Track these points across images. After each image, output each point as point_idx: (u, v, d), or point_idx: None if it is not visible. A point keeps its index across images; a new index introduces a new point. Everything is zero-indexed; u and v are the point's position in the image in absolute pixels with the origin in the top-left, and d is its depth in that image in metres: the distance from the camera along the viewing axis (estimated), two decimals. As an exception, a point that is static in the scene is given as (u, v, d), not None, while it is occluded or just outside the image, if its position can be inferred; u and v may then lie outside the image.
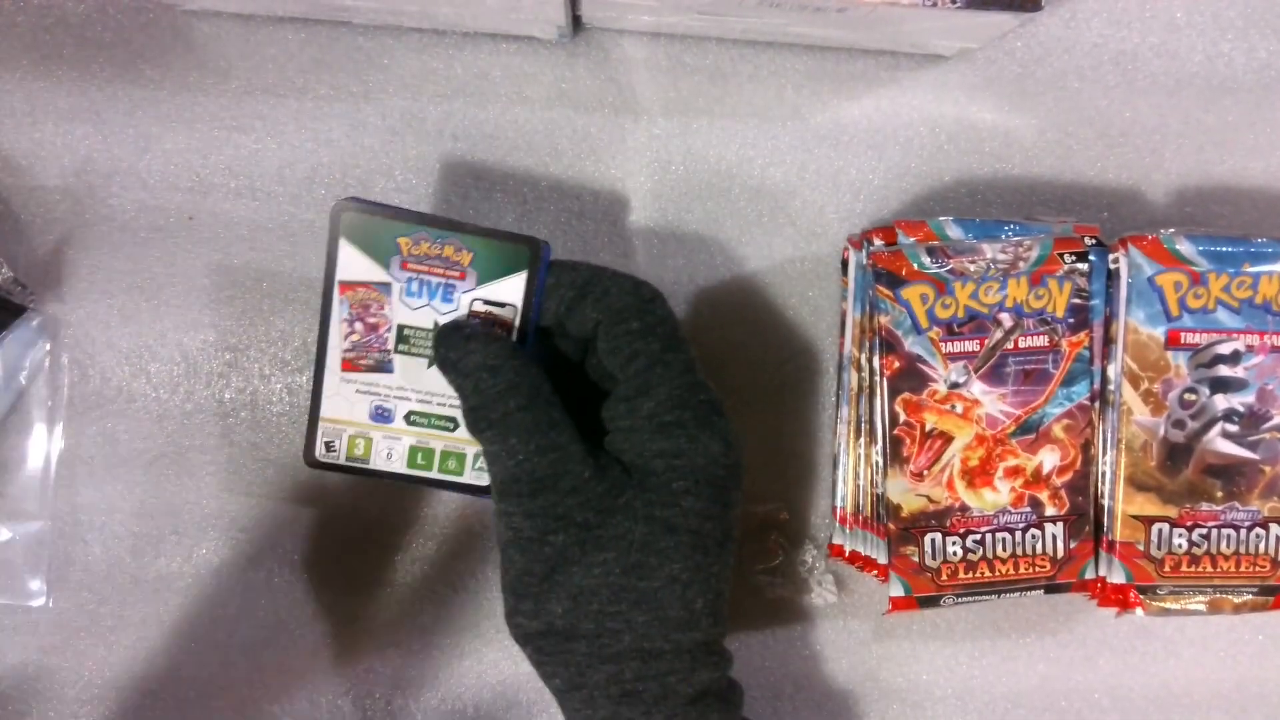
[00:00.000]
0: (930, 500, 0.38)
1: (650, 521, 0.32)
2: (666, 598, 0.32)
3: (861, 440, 0.40)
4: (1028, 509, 0.39)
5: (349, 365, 0.35)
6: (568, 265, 0.34)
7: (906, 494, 0.38)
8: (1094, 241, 0.39)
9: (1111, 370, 0.39)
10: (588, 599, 0.32)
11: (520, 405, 0.32)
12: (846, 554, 0.41)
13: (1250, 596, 0.40)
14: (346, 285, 0.35)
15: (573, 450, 0.32)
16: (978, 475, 0.39)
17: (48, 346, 0.42)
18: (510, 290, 0.35)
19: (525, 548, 0.32)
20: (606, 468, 0.32)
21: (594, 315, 0.33)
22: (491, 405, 0.32)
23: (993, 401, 0.38)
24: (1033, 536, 0.39)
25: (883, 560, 0.39)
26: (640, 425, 0.32)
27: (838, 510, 0.42)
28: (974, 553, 0.39)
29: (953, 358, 0.38)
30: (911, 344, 0.38)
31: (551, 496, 0.31)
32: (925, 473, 0.38)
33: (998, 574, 0.39)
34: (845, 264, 0.42)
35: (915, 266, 0.38)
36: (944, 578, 0.38)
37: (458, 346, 0.33)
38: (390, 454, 0.36)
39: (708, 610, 0.33)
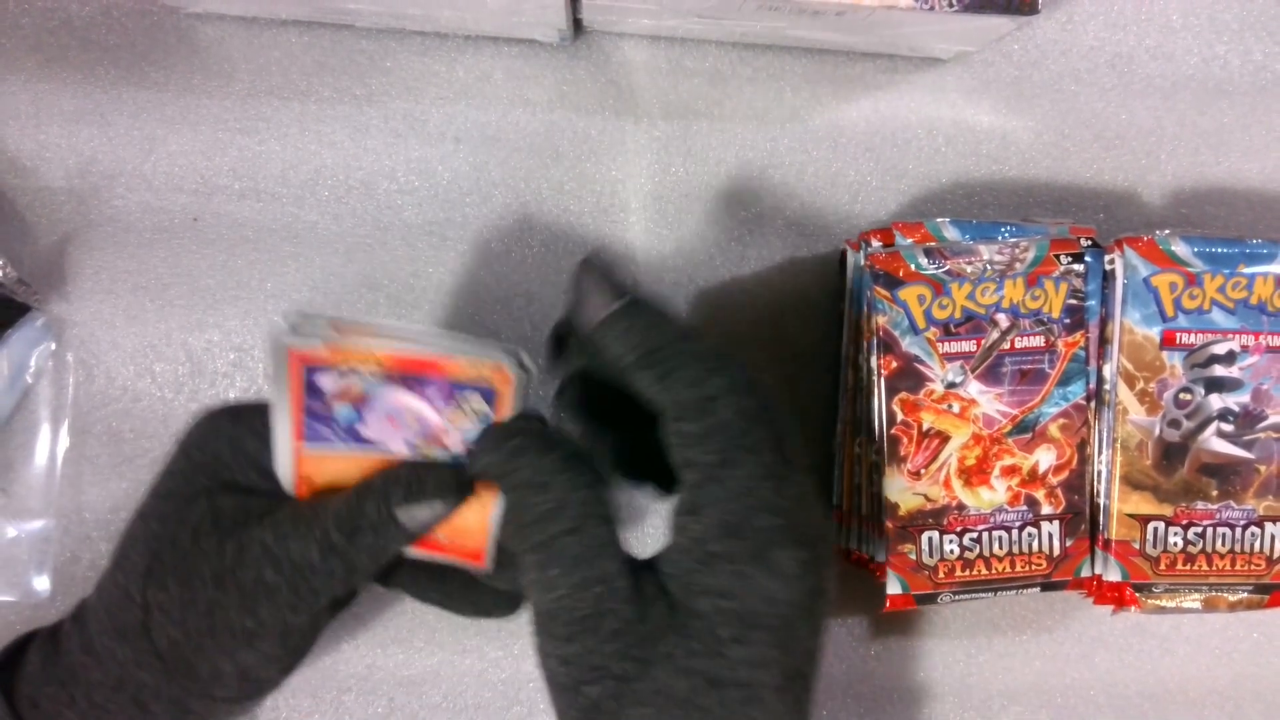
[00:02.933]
0: (927, 499, 0.39)
1: (692, 675, 0.28)
2: None
3: (859, 439, 0.40)
4: (1024, 508, 0.39)
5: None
6: (635, 316, 0.30)
7: (904, 493, 0.39)
8: (1090, 243, 0.40)
9: (1107, 370, 0.40)
10: None
11: (565, 529, 0.28)
12: (844, 552, 0.42)
13: (1245, 595, 0.40)
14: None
15: (619, 586, 0.28)
16: (974, 474, 0.39)
17: (53, 346, 0.43)
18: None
19: (560, 693, 0.29)
20: (651, 604, 0.28)
21: (649, 394, 0.29)
22: (534, 526, 0.29)
23: (989, 401, 0.39)
24: (1029, 535, 0.39)
25: (880, 558, 0.39)
26: (689, 548, 0.28)
27: (836, 509, 0.42)
28: (971, 551, 0.39)
29: (950, 358, 0.39)
30: (909, 344, 0.39)
31: (589, 642, 0.28)
32: (922, 472, 0.39)
33: (994, 572, 0.39)
34: (843, 265, 0.42)
35: (913, 267, 0.39)
36: (941, 576, 0.39)
37: (505, 461, 0.30)
38: None
39: None
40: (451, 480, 0.31)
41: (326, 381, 0.30)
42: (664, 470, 0.31)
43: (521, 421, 0.31)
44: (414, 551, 0.33)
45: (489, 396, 0.31)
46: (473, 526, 0.33)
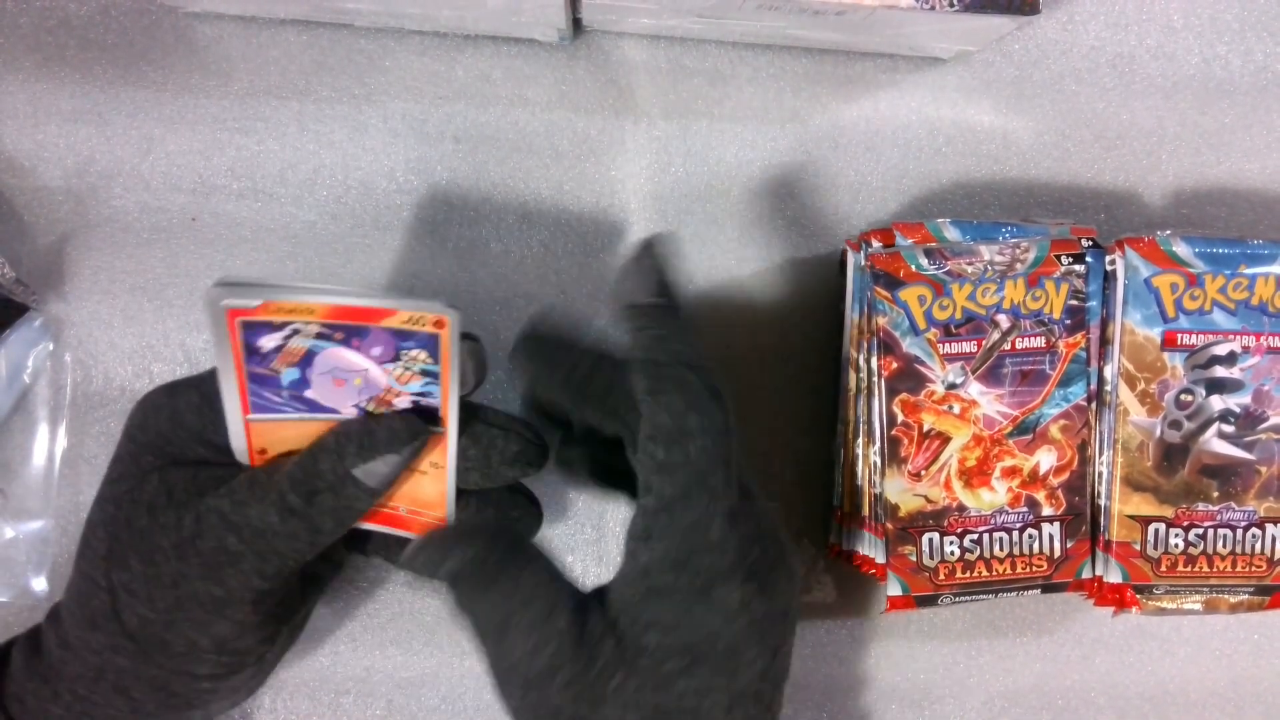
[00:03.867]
0: (928, 500, 0.39)
1: (640, 708, 0.29)
2: None
3: (859, 440, 0.40)
4: (1025, 509, 0.39)
5: None
6: (659, 322, 0.31)
7: (904, 494, 0.39)
8: (1091, 243, 0.40)
9: (1108, 371, 0.40)
10: None
11: (521, 601, 0.29)
12: (844, 553, 0.42)
13: (1246, 596, 0.40)
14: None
15: (567, 641, 0.29)
16: (975, 475, 0.39)
17: (51, 346, 0.42)
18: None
19: None
20: (599, 645, 0.29)
21: (638, 399, 0.30)
22: (479, 603, 0.30)
23: (990, 402, 0.39)
24: (1029, 536, 0.39)
25: (880, 560, 0.39)
26: (636, 579, 0.29)
27: (836, 510, 0.42)
28: (971, 552, 0.39)
29: (950, 359, 0.39)
30: (909, 345, 0.38)
31: (543, 693, 0.29)
32: (923, 473, 0.39)
33: (995, 573, 0.39)
34: (843, 265, 0.42)
35: (913, 268, 0.39)
36: (941, 577, 0.39)
37: (427, 557, 0.31)
38: None
39: None
40: (404, 430, 0.31)
41: (266, 341, 0.29)
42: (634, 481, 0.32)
43: (452, 534, 0.32)
44: (375, 527, 0.33)
45: (433, 350, 0.30)
46: (433, 498, 0.33)
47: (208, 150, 0.43)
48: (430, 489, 0.33)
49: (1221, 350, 0.39)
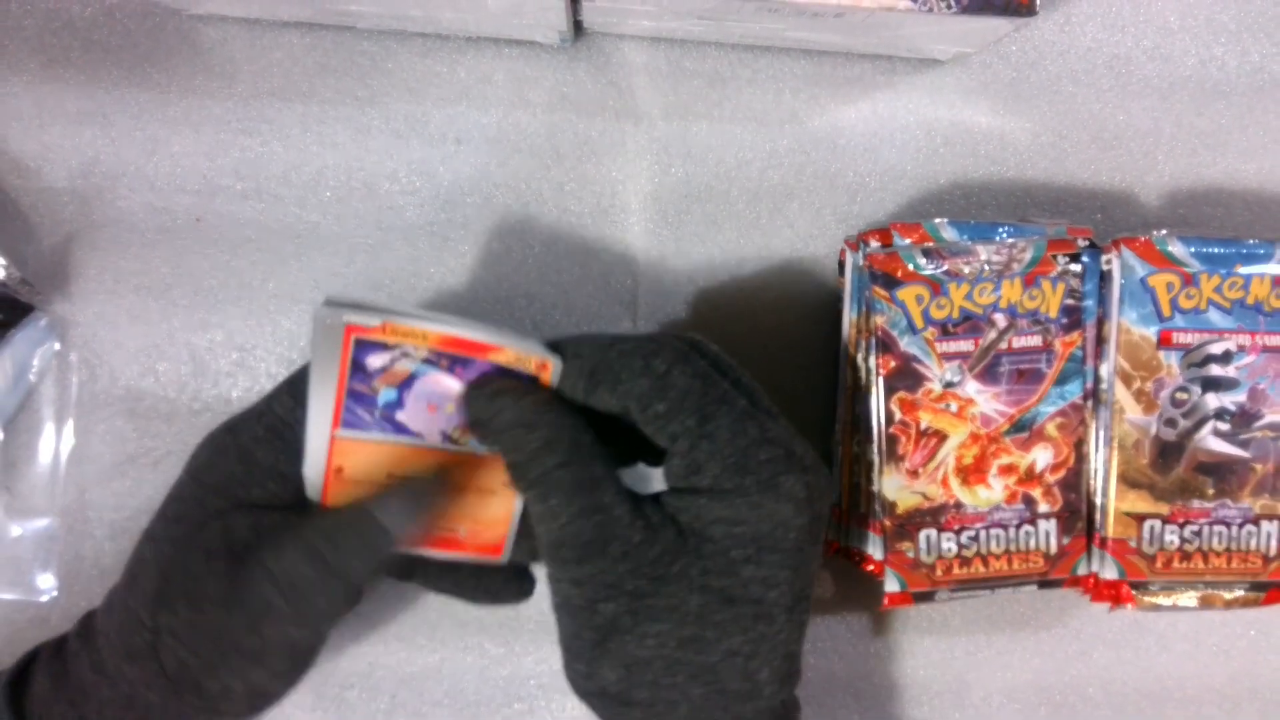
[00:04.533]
0: (925, 497, 0.39)
1: (706, 592, 0.29)
2: (726, 671, 0.30)
3: (858, 438, 0.41)
4: (1021, 506, 0.39)
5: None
6: (572, 350, 0.31)
7: (902, 491, 0.39)
8: (1087, 243, 0.40)
9: (1104, 370, 0.40)
10: (641, 669, 0.29)
11: (559, 463, 0.29)
12: (843, 550, 0.42)
13: (1242, 593, 0.40)
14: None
15: (619, 513, 0.29)
16: (972, 473, 0.39)
17: (57, 346, 0.43)
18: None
19: (575, 614, 0.30)
20: (659, 530, 0.30)
21: (615, 402, 0.30)
22: (529, 463, 0.30)
23: (987, 400, 0.39)
24: (1026, 533, 0.39)
25: (878, 556, 0.39)
26: (700, 491, 0.30)
27: (834, 507, 0.42)
28: (968, 549, 0.39)
29: (948, 357, 0.39)
30: (907, 344, 0.39)
31: (600, 563, 0.29)
32: (920, 470, 0.39)
33: (992, 570, 0.39)
34: (842, 265, 0.42)
35: (911, 268, 0.39)
36: (939, 573, 0.39)
37: (487, 405, 0.30)
38: None
39: (773, 678, 0.31)
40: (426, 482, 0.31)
41: (374, 359, 0.30)
42: (647, 449, 0.32)
43: (506, 377, 0.31)
44: (430, 552, 0.33)
45: None
46: (496, 518, 0.33)
47: (212, 151, 0.43)
48: (498, 509, 0.33)
49: (1217, 349, 0.40)
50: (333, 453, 0.31)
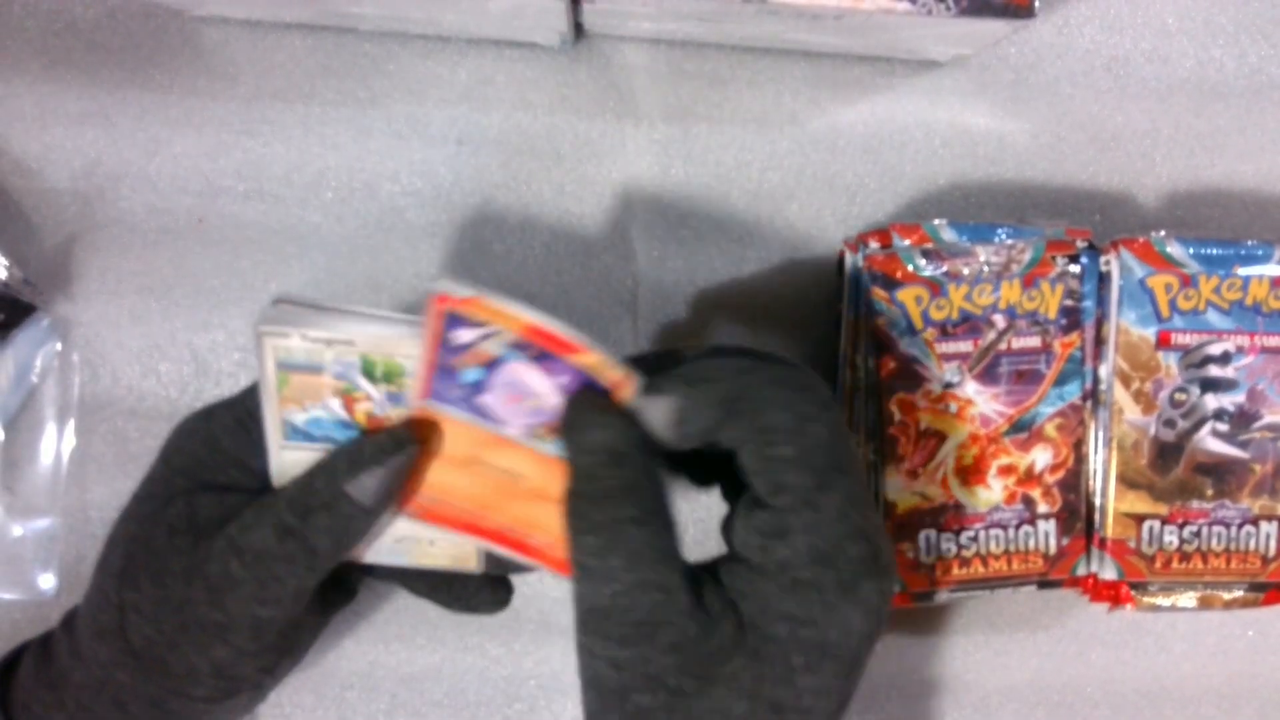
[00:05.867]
0: (924, 498, 0.39)
1: (755, 700, 0.26)
2: None
3: (857, 439, 0.41)
4: (1020, 506, 0.39)
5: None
6: (704, 374, 0.28)
7: (901, 492, 0.39)
8: (1086, 244, 0.40)
9: (1103, 370, 0.40)
10: None
11: (633, 517, 0.26)
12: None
13: (1241, 593, 0.40)
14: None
15: (679, 598, 0.26)
16: (971, 473, 0.39)
17: (59, 346, 0.43)
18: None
19: (604, 697, 0.27)
20: (717, 622, 0.26)
21: (742, 437, 0.27)
22: (600, 503, 0.26)
23: (986, 401, 0.39)
24: (1025, 533, 0.39)
25: (878, 557, 0.39)
26: (771, 573, 0.27)
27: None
28: (968, 549, 0.39)
29: (947, 358, 0.39)
30: (906, 345, 0.39)
31: (646, 650, 0.26)
32: (920, 471, 0.39)
33: (991, 570, 0.39)
34: (841, 266, 0.43)
35: (910, 269, 0.39)
36: (938, 574, 0.39)
37: (586, 414, 0.28)
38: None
39: None
40: (388, 441, 0.29)
41: (463, 334, 0.28)
42: (693, 464, 0.30)
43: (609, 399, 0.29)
44: (504, 551, 0.32)
45: None
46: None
47: (214, 152, 0.43)
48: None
49: (1215, 350, 0.40)
50: (418, 414, 0.30)
